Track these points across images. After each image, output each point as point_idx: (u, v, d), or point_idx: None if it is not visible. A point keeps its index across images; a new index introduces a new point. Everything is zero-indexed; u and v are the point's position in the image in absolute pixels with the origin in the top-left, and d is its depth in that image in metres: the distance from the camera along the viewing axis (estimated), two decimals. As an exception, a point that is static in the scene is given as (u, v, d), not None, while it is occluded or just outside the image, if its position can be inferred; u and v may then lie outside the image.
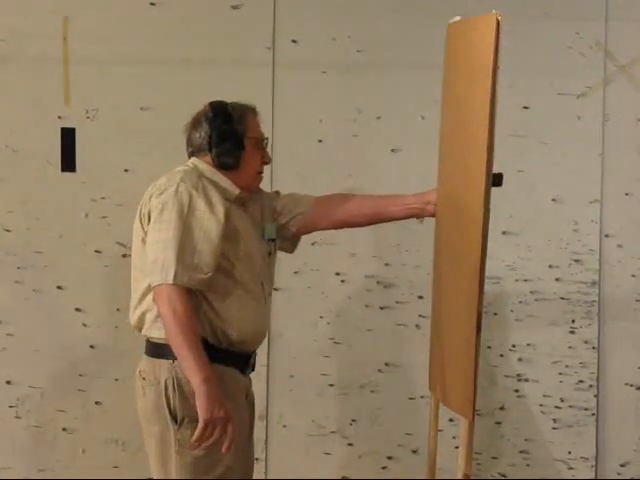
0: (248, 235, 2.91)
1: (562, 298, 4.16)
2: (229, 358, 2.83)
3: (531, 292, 4.17)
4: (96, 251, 4.11)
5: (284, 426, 4.17)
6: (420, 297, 4.10)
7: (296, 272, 4.07)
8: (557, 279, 4.16)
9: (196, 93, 3.75)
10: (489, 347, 4.14)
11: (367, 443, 4.19)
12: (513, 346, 4.18)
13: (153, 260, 2.75)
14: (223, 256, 2.81)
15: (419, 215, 3.08)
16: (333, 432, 4.19)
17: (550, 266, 4.16)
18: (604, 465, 4.21)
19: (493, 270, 4.02)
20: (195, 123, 2.95)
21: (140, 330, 2.90)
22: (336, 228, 3.20)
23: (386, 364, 4.17)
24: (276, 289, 3.08)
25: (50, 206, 4.10)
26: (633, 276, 4.18)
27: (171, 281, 2.70)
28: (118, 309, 4.00)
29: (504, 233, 4.13)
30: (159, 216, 2.78)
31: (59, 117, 4.09)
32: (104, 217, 4.10)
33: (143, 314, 2.87)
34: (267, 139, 3.03)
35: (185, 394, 2.77)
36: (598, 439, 4.20)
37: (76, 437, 4.14)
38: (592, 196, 4.15)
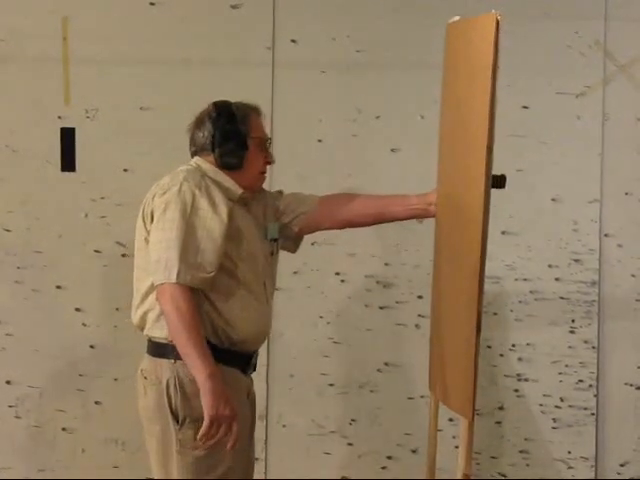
0: (251, 235, 2.91)
1: (562, 298, 4.16)
2: (231, 358, 2.83)
3: (531, 292, 4.17)
4: (96, 251, 4.11)
5: (284, 426, 4.17)
6: (420, 297, 4.10)
7: (296, 272, 4.07)
8: (557, 279, 4.16)
9: (196, 93, 3.77)
10: (489, 347, 4.14)
11: (367, 443, 4.19)
12: (513, 346, 4.18)
13: (156, 259, 2.75)
14: (226, 256, 2.81)
15: (422, 216, 3.08)
16: (333, 432, 4.19)
17: (550, 266, 4.16)
18: (604, 465, 4.21)
19: (493, 270, 4.01)
20: (198, 122, 2.95)
21: (142, 329, 2.90)
22: (340, 228, 3.20)
23: (386, 364, 4.17)
24: (276, 289, 3.08)
25: (50, 206, 4.10)
26: (633, 276, 4.18)
27: (174, 280, 2.71)
28: (118, 309, 4.01)
29: (504, 233, 4.13)
30: (162, 215, 2.78)
31: (59, 117, 4.09)
32: (104, 217, 4.10)
33: (145, 313, 2.87)
34: (271, 139, 3.03)
35: (187, 394, 2.77)
36: (598, 439, 4.20)
37: (76, 437, 4.14)
38: (592, 196, 4.15)
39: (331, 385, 4.18)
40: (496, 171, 2.64)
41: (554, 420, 4.19)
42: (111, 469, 4.13)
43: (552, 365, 4.17)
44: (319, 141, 4.14)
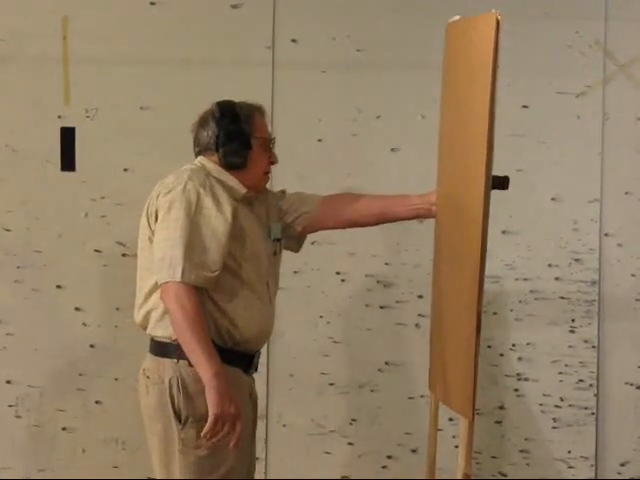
0: (254, 235, 2.91)
1: (562, 297, 4.16)
2: (233, 358, 2.83)
3: (531, 291, 4.17)
4: (96, 250, 4.11)
5: (284, 425, 4.17)
6: (420, 296, 4.10)
7: (296, 271, 4.07)
8: (557, 278, 4.16)
9: (196, 93, 3.79)
10: (489, 346, 4.14)
11: (367, 442, 4.19)
12: (513, 345, 4.18)
13: (161, 258, 2.75)
14: (230, 256, 2.81)
15: (425, 216, 3.09)
16: (333, 431, 4.19)
17: (550, 265, 4.16)
18: (604, 464, 4.20)
19: (493, 269, 4.01)
20: (202, 122, 2.95)
21: (145, 329, 2.90)
22: (342, 228, 3.21)
23: (386, 363, 4.17)
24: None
25: (50, 205, 4.10)
26: (633, 275, 4.18)
27: (179, 278, 2.71)
28: (118, 308, 4.01)
29: (504, 232, 4.13)
30: (166, 214, 2.79)
31: (59, 117, 4.09)
32: (104, 216, 4.10)
33: (148, 313, 2.87)
34: (274, 139, 3.03)
35: (189, 394, 2.78)
36: (598, 438, 4.20)
37: (76, 436, 4.14)
38: (592, 195, 4.15)
39: (331, 385, 4.18)
40: (496, 170, 2.64)
41: (554, 420, 4.19)
42: (111, 469, 4.13)
43: (552, 365, 4.17)
44: (319, 141, 4.14)
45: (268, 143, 2.99)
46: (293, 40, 4.12)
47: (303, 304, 4.13)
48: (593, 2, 4.11)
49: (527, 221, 4.15)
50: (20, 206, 4.10)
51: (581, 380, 4.17)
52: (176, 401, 2.79)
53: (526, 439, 4.20)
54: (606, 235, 4.16)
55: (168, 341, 2.81)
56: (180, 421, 2.79)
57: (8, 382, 4.12)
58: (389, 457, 4.20)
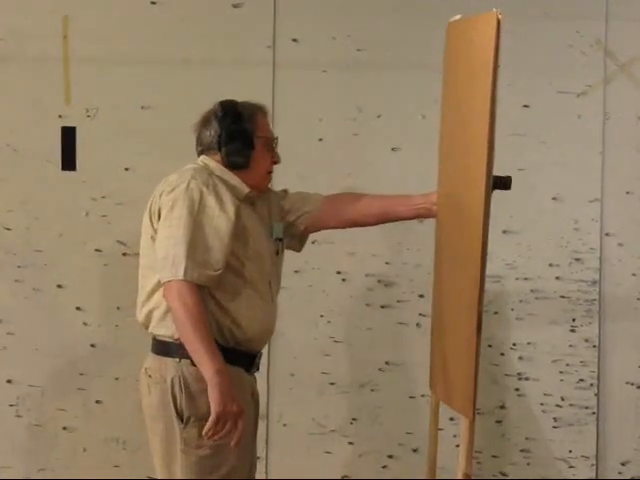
0: (257, 234, 2.91)
1: (562, 297, 4.16)
2: (235, 357, 2.83)
3: (531, 291, 4.17)
4: (96, 250, 4.11)
5: (284, 425, 4.17)
6: (421, 296, 4.10)
7: (297, 271, 4.07)
8: (557, 278, 4.16)
9: (196, 92, 3.79)
10: (490, 346, 4.14)
11: (367, 442, 4.19)
12: (513, 345, 4.18)
13: (163, 256, 2.75)
14: (233, 255, 2.82)
15: (426, 215, 3.09)
16: (333, 431, 4.19)
17: (550, 265, 4.16)
18: (605, 464, 4.20)
19: (493, 269, 4.01)
20: (205, 122, 2.95)
21: (147, 328, 2.90)
22: (344, 227, 3.21)
23: (387, 363, 4.17)
24: (278, 288, 3.08)
25: (50, 205, 4.10)
26: (634, 275, 4.18)
27: (181, 277, 2.71)
28: (118, 308, 4.01)
29: (504, 232, 4.13)
30: (169, 213, 2.79)
31: (59, 116, 4.09)
32: (104, 216, 4.10)
33: (150, 311, 2.87)
34: (277, 139, 3.03)
35: (192, 393, 2.78)
36: (599, 438, 4.20)
37: (76, 436, 4.14)
38: (592, 195, 4.15)
39: (332, 384, 4.18)
40: (496, 170, 2.64)
41: (555, 419, 4.19)
42: (112, 468, 4.13)
43: (553, 364, 4.17)
44: (320, 140, 4.14)
45: (271, 143, 2.99)
46: (294, 40, 4.12)
47: (304, 303, 4.13)
48: (594, 2, 4.11)
49: (528, 221, 4.15)
50: (20, 205, 4.10)
51: (582, 380, 4.17)
52: (178, 401, 2.79)
53: (527, 438, 4.20)
54: (607, 235, 4.16)
55: (170, 340, 2.81)
56: (182, 421, 2.79)
57: (9, 381, 4.13)
58: (390, 457, 4.20)
